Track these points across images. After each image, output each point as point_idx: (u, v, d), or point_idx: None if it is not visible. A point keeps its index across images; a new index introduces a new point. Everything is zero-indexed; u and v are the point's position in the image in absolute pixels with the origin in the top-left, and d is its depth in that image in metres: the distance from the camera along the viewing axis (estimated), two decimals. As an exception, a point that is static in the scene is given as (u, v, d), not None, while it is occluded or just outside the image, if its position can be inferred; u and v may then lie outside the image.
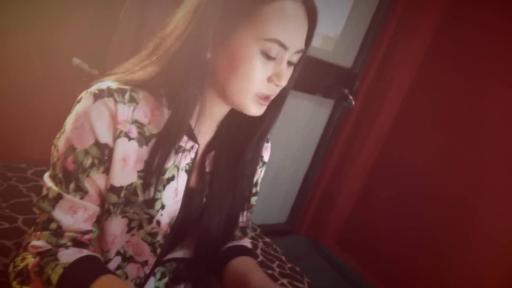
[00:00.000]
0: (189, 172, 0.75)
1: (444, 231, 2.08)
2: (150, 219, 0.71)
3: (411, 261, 2.19)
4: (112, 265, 0.74)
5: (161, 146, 0.68)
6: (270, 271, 1.39)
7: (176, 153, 0.72)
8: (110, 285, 0.64)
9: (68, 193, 0.66)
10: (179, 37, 0.66)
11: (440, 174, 2.14)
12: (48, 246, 0.66)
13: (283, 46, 0.65)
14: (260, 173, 0.91)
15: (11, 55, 1.33)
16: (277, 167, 2.35)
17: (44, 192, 0.67)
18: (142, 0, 1.34)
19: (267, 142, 0.89)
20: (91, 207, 0.68)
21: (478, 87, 2.05)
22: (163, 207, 0.71)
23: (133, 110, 0.67)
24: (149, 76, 0.68)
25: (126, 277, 0.76)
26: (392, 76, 2.29)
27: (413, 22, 2.22)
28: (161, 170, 0.69)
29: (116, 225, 0.70)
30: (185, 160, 0.73)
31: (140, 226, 0.71)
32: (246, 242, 0.92)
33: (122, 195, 0.68)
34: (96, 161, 0.66)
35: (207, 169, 0.79)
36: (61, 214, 0.66)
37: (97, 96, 0.65)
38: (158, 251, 0.75)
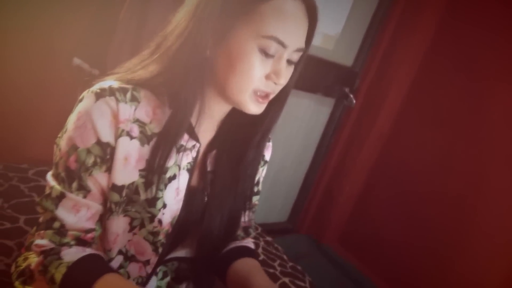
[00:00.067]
0: (190, 171, 0.75)
1: (445, 229, 2.08)
2: (152, 218, 0.71)
3: (412, 259, 2.19)
4: (114, 264, 0.74)
5: (162, 144, 0.68)
6: (271, 270, 1.39)
7: (178, 152, 0.72)
8: (114, 283, 0.64)
9: (71, 192, 0.66)
10: (180, 36, 0.66)
11: (440, 173, 2.14)
12: (52, 245, 0.67)
13: (281, 43, 0.65)
14: (261, 172, 0.91)
15: (11, 55, 1.33)
16: (278, 166, 2.35)
17: (47, 191, 0.68)
18: (142, 0, 1.34)
19: (269, 141, 0.89)
20: (93, 206, 0.69)
21: (478, 86, 2.05)
22: (164, 206, 0.71)
23: (135, 109, 0.67)
24: (150, 75, 0.68)
25: (128, 276, 0.76)
26: (393, 75, 2.29)
27: (413, 21, 2.22)
28: (163, 169, 0.69)
29: (118, 224, 0.70)
30: (186, 159, 0.74)
31: (142, 225, 0.72)
32: (249, 243, 0.92)
33: (123, 194, 0.68)
34: (98, 160, 0.66)
35: (209, 168, 0.79)
36: (64, 213, 0.67)
37: (99, 95, 0.65)
38: (160, 250, 0.75)
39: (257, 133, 0.78)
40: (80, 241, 0.68)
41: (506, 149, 1.92)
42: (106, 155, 0.66)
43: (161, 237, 0.74)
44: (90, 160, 0.66)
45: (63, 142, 0.67)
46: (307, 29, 0.69)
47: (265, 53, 0.65)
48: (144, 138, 0.68)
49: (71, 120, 0.67)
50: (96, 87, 0.67)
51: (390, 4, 2.25)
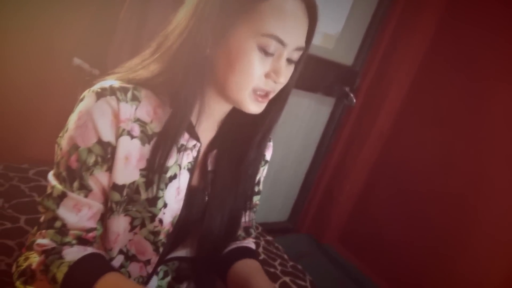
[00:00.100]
0: (191, 170, 0.75)
1: (445, 228, 2.08)
2: (153, 217, 0.71)
3: (412, 258, 2.19)
4: (115, 264, 0.74)
5: (162, 144, 0.68)
6: (272, 269, 1.39)
7: (178, 151, 0.72)
8: (115, 282, 0.64)
9: (72, 191, 0.67)
10: (180, 35, 0.67)
11: (441, 172, 2.14)
12: (53, 244, 0.67)
13: (281, 42, 0.65)
14: (262, 172, 0.91)
15: (11, 55, 1.33)
16: (279, 166, 2.35)
17: (49, 190, 0.68)
18: (142, 0, 1.34)
19: (269, 141, 0.89)
20: (95, 205, 0.69)
21: (479, 85, 2.05)
22: (165, 205, 0.71)
23: (136, 109, 0.67)
24: (151, 75, 0.69)
25: (129, 276, 0.76)
26: (393, 74, 2.29)
27: (414, 20, 2.22)
28: (163, 168, 0.69)
29: (119, 224, 0.70)
30: (187, 158, 0.74)
31: (143, 225, 0.72)
32: (250, 243, 0.92)
33: (124, 193, 0.68)
34: (99, 159, 0.66)
35: (209, 168, 0.79)
36: (65, 212, 0.67)
37: (100, 94, 0.65)
38: (161, 250, 0.75)
39: (258, 133, 0.78)
40: (82, 241, 0.68)
41: (506, 148, 1.92)
42: (107, 154, 0.66)
43: (162, 237, 0.74)
44: (91, 160, 0.66)
45: (64, 142, 0.67)
46: (307, 28, 0.69)
47: (265, 52, 0.65)
48: (145, 137, 0.68)
49: (72, 120, 0.67)
50: (97, 86, 0.67)
51: (390, 3, 2.25)
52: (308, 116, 2.36)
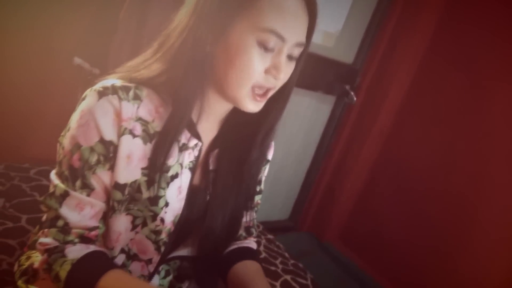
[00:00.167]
0: (192, 170, 0.75)
1: (446, 226, 2.08)
2: (154, 216, 0.71)
3: (413, 256, 2.19)
4: (116, 263, 0.74)
5: (163, 142, 0.68)
6: (273, 268, 1.39)
7: (180, 150, 0.72)
8: (119, 279, 0.64)
9: (75, 190, 0.67)
10: (181, 33, 0.67)
11: (442, 170, 2.14)
12: (56, 243, 0.67)
13: (280, 37, 0.65)
14: (264, 171, 0.91)
15: (11, 55, 1.33)
16: (279, 164, 2.35)
17: (51, 189, 0.68)
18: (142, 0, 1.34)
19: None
20: (97, 204, 0.69)
21: (479, 83, 2.04)
22: (167, 204, 0.71)
23: (138, 108, 0.67)
24: (153, 74, 0.69)
25: (131, 275, 0.76)
26: (393, 72, 2.28)
27: (414, 17, 2.21)
28: (164, 167, 0.69)
29: (121, 223, 0.71)
30: (188, 157, 0.74)
31: (144, 224, 0.72)
32: (251, 243, 0.92)
33: (126, 192, 0.69)
34: (101, 158, 0.66)
35: (211, 167, 0.79)
36: (68, 211, 0.67)
37: (102, 93, 0.65)
38: (162, 249, 0.75)
39: (260, 132, 0.78)
40: (84, 239, 0.69)
41: (507, 146, 1.92)
42: (109, 153, 0.66)
43: (163, 236, 0.74)
44: (93, 159, 0.66)
45: (66, 141, 0.67)
46: (307, 24, 0.69)
47: (264, 47, 0.65)
48: (147, 136, 0.68)
49: (74, 119, 0.67)
50: (99, 85, 0.67)
51: (390, 1, 2.25)
52: (308, 115, 2.36)
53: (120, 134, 0.66)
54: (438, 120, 2.19)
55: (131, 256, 0.75)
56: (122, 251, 0.74)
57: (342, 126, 2.45)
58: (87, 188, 0.67)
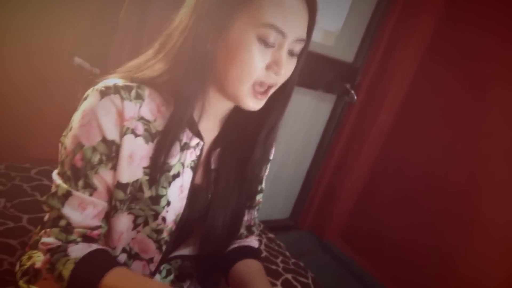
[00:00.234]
0: (194, 169, 0.75)
1: (447, 225, 2.08)
2: (156, 215, 0.71)
3: (414, 254, 2.19)
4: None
5: (164, 141, 0.68)
6: (274, 267, 1.39)
7: (182, 150, 0.72)
8: (122, 276, 0.64)
9: (77, 190, 0.67)
10: (182, 32, 0.67)
11: (442, 168, 2.14)
12: (58, 243, 0.67)
13: (280, 32, 0.65)
14: (265, 170, 0.91)
15: (11, 55, 1.33)
16: (280, 163, 2.35)
17: (53, 189, 0.68)
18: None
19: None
20: (100, 204, 0.69)
21: (479, 81, 2.04)
22: (168, 203, 0.71)
23: (140, 107, 0.67)
24: (156, 74, 0.68)
25: (132, 275, 0.76)
26: (394, 70, 2.28)
27: (414, 16, 2.21)
28: (166, 166, 0.69)
29: (122, 222, 0.71)
30: (190, 157, 0.74)
31: (146, 223, 0.72)
32: (252, 241, 0.92)
33: (128, 191, 0.69)
34: (104, 158, 0.66)
35: (213, 166, 0.79)
36: (70, 211, 0.67)
37: (104, 93, 0.65)
38: (164, 248, 0.75)
39: (262, 131, 0.77)
40: (87, 238, 0.69)
41: (507, 145, 1.92)
42: (111, 153, 0.66)
43: (165, 235, 0.74)
44: (95, 158, 0.66)
45: (68, 141, 0.67)
46: (307, 19, 0.69)
47: (265, 43, 0.65)
48: (149, 136, 0.68)
49: (76, 119, 0.67)
50: (101, 85, 0.67)
51: (391, 0, 2.24)
52: (309, 114, 2.36)
53: (122, 134, 0.66)
54: (438, 119, 2.19)
55: (133, 256, 0.75)
56: (124, 250, 0.74)
57: (343, 125, 2.45)
58: (90, 187, 0.67)
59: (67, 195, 0.67)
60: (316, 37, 2.14)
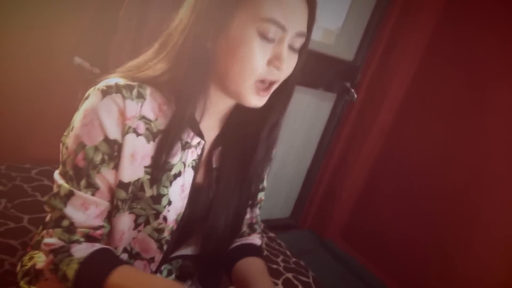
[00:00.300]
0: (195, 168, 0.75)
1: (448, 223, 2.08)
2: (157, 214, 0.71)
3: (414, 253, 2.19)
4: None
5: (165, 140, 0.68)
6: (274, 266, 1.39)
7: (183, 149, 0.72)
8: (128, 275, 0.64)
9: (80, 189, 0.67)
10: (182, 31, 0.67)
11: (442, 167, 2.14)
12: (61, 243, 0.67)
13: (280, 26, 0.64)
14: (267, 169, 0.91)
15: (11, 55, 1.33)
16: (280, 162, 2.35)
17: (55, 189, 0.68)
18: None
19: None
20: (102, 203, 0.69)
21: (480, 80, 2.04)
22: (169, 203, 0.71)
23: (141, 106, 0.67)
24: (157, 73, 0.68)
25: (133, 275, 0.76)
26: (394, 69, 2.28)
27: (414, 14, 2.21)
28: (167, 165, 0.69)
29: (124, 222, 0.70)
30: (191, 156, 0.73)
31: (147, 222, 0.72)
32: (255, 239, 0.92)
33: (129, 190, 0.69)
34: (106, 157, 0.66)
35: (214, 165, 0.79)
36: (73, 211, 0.67)
37: (105, 92, 0.65)
38: (165, 247, 0.75)
39: (264, 128, 0.77)
40: (89, 238, 0.69)
41: (507, 143, 1.92)
42: (113, 152, 0.66)
43: (166, 234, 0.74)
44: (98, 158, 0.66)
45: (70, 140, 0.67)
46: (307, 14, 0.69)
47: (265, 38, 0.65)
48: (150, 135, 0.68)
49: (78, 118, 0.66)
50: (102, 84, 0.67)
51: (390, -1, 2.24)
52: (309, 112, 2.36)
53: (124, 133, 0.66)
54: (438, 118, 2.19)
55: (134, 255, 0.75)
56: (125, 250, 0.74)
57: (343, 123, 2.45)
58: (92, 187, 0.67)
59: (70, 195, 0.66)
60: (316, 36, 2.14)
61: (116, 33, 1.36)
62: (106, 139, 0.65)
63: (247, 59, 0.65)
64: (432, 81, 2.24)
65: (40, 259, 0.69)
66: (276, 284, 1.30)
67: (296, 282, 1.35)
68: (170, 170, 0.71)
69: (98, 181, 0.67)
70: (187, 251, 0.82)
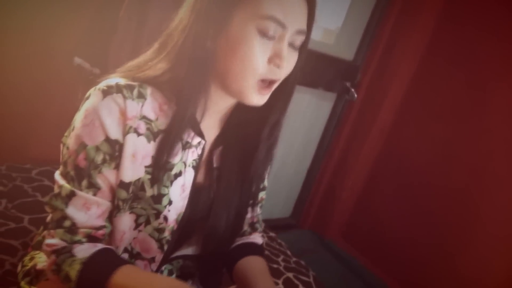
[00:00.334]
0: (196, 168, 0.75)
1: (448, 223, 2.08)
2: (158, 214, 0.71)
3: (415, 252, 2.19)
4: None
5: (166, 140, 0.68)
6: (275, 266, 1.39)
7: (184, 149, 0.72)
8: (131, 274, 0.64)
9: (81, 190, 0.67)
10: (182, 31, 0.67)
11: (443, 166, 2.14)
12: (63, 244, 0.67)
13: (280, 23, 0.64)
14: (268, 169, 0.91)
15: (11, 55, 1.33)
16: (280, 162, 2.35)
17: (56, 190, 0.68)
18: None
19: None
20: (103, 203, 0.69)
21: (480, 79, 2.04)
22: (170, 202, 0.71)
23: (142, 106, 0.67)
24: (158, 73, 0.68)
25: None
26: (394, 68, 2.28)
27: (414, 13, 2.21)
28: (167, 165, 0.69)
29: (125, 222, 0.70)
30: (192, 156, 0.73)
31: (148, 222, 0.72)
32: (256, 238, 0.92)
33: (130, 190, 0.69)
34: (107, 157, 0.66)
35: (215, 165, 0.79)
36: (74, 211, 0.67)
37: (106, 92, 0.65)
38: (165, 247, 0.75)
39: (265, 127, 0.77)
40: (91, 238, 0.69)
41: (507, 142, 1.92)
42: (115, 152, 0.66)
43: (167, 234, 0.74)
44: (99, 158, 0.66)
45: (71, 141, 0.67)
46: (307, 12, 0.69)
47: (265, 35, 0.65)
48: (151, 135, 0.68)
49: (79, 118, 0.66)
50: (103, 84, 0.67)
51: (390, -2, 2.24)
52: (309, 112, 2.36)
53: (125, 133, 0.66)
54: (438, 117, 2.19)
55: (134, 255, 0.75)
56: (125, 250, 0.74)
57: (343, 123, 2.45)
58: (93, 187, 0.67)
59: (71, 195, 0.66)
60: (316, 36, 2.14)
61: (116, 33, 1.36)
62: (107, 139, 0.65)
63: (248, 57, 0.65)
64: (432, 81, 2.24)
65: (40, 260, 0.69)
66: (277, 284, 1.30)
67: (296, 281, 1.35)
68: (171, 170, 0.71)
69: (99, 181, 0.67)
70: (188, 251, 0.82)
